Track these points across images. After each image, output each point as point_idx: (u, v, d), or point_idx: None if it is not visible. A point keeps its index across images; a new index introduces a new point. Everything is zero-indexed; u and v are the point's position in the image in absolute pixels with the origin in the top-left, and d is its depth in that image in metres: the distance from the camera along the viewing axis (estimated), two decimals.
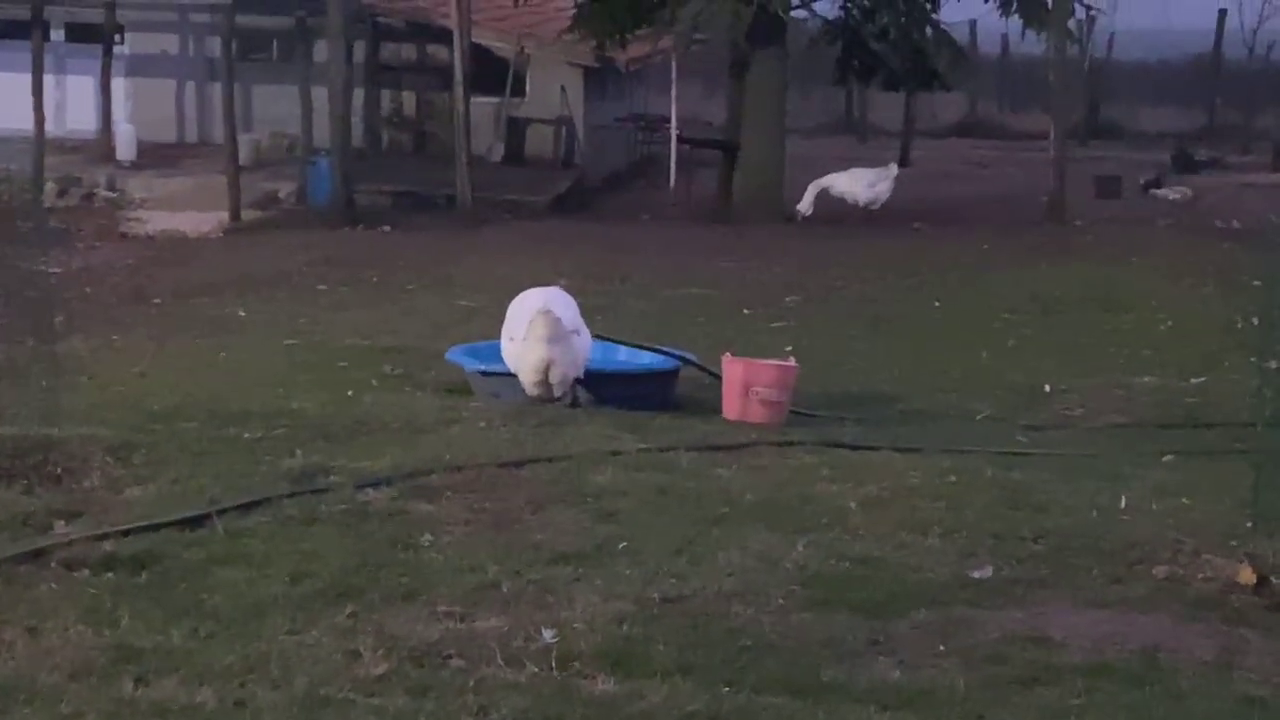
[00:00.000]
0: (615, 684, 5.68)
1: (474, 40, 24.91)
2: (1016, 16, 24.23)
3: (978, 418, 11.78)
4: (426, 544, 7.21)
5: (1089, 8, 26.09)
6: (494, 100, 27.60)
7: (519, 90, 28.19)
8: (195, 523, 7.32)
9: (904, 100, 30.63)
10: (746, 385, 10.94)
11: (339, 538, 7.22)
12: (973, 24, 33.59)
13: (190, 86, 29.64)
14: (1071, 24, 25.21)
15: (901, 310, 16.54)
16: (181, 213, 22.66)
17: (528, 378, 10.70)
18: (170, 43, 29.83)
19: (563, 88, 27.98)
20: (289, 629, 6.08)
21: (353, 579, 6.65)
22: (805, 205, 23.33)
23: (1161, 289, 17.55)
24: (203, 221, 22.34)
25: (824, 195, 23.53)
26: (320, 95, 23.63)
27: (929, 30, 24.18)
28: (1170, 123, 35.04)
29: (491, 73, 27.20)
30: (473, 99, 24.13)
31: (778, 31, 23.65)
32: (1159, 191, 26.62)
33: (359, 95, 26.89)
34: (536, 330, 10.51)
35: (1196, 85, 35.50)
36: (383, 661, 5.78)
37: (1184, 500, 8.76)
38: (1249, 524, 7.78)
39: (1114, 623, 6.48)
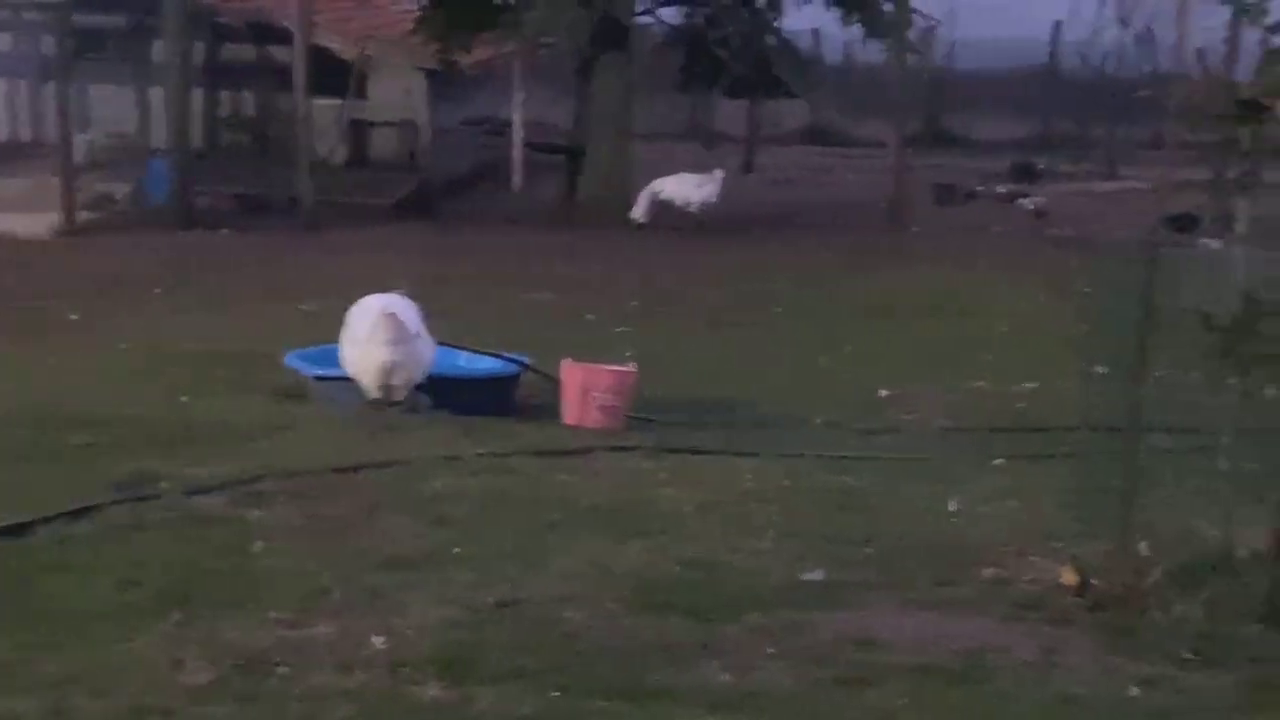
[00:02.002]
0: (445, 689, 5.67)
1: (316, 42, 24.71)
2: (858, 25, 24.48)
3: (814, 422, 11.89)
4: (258, 550, 7.16)
5: (927, 18, 26.46)
6: (336, 102, 27.39)
7: (361, 93, 28.01)
8: (20, 531, 7.20)
9: (747, 107, 30.84)
10: (585, 390, 10.97)
11: (168, 545, 7.15)
12: (816, 32, 33.90)
13: (23, 86, 29.10)
14: (912, 34, 25.54)
15: (742, 315, 16.65)
16: (12, 214, 22.21)
17: (370, 381, 10.63)
18: (3, 41, 29.27)
19: (406, 91, 27.85)
20: (114, 638, 6.00)
21: (181, 587, 6.58)
22: (640, 212, 23.38)
23: (997, 295, 17.79)
24: (35, 223, 21.90)
25: (660, 202, 23.60)
26: (158, 96, 23.26)
27: (772, 38, 24.37)
28: (1008, 132, 35.58)
29: (333, 75, 26.99)
30: (315, 101, 23.93)
31: (621, 37, 23.72)
32: (1022, 202, 26.95)
33: (198, 96, 26.54)
34: (380, 333, 10.45)
35: (1033, 95, 36.09)
36: (209, 670, 5.73)
37: (1012, 503, 8.92)
38: (1074, 526, 7.92)
39: (940, 624, 6.58)
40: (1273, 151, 7.99)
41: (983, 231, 23.64)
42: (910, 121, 28.07)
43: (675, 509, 8.23)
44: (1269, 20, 7.39)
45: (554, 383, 11.33)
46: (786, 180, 29.83)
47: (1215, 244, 9.46)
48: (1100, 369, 8.66)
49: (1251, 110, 7.42)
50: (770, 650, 6.18)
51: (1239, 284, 7.40)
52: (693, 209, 23.58)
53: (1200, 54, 9.59)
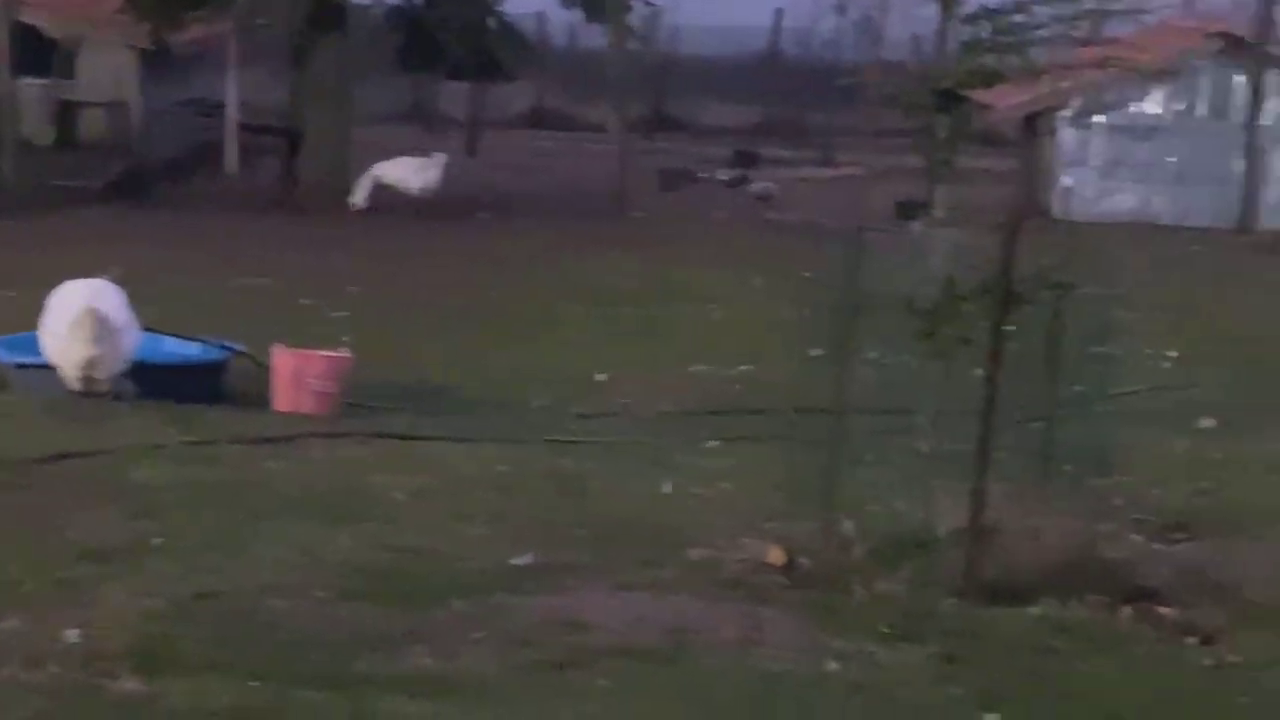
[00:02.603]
0: (141, 683, 5.55)
1: (21, 19, 23.95)
2: (579, 9, 24.52)
3: (532, 407, 11.90)
4: None
5: (649, 3, 26.63)
6: (43, 82, 26.63)
7: (69, 72, 27.24)
8: None
9: (470, 90, 30.71)
10: (298, 376, 10.82)
11: None
12: (540, 15, 33.91)
13: None
14: (634, 18, 25.69)
15: (462, 300, 16.57)
16: None
17: (71, 373, 10.35)
18: None
19: (117, 70, 27.18)
20: None
21: None
22: (359, 197, 23.12)
23: (717, 280, 18.00)
24: None
25: (381, 187, 23.38)
26: None
27: (493, 20, 24.29)
28: (732, 118, 36.01)
29: (40, 53, 26.22)
30: (21, 80, 23.21)
31: (339, 18, 23.42)
32: (753, 188, 27.23)
33: None
34: (81, 330, 10.16)
35: (756, 82, 36.58)
36: None
37: (725, 485, 9.04)
38: (784, 507, 8.05)
39: (646, 605, 6.64)
40: (970, 139, 8.23)
41: (706, 217, 23.89)
42: (634, 106, 28.23)
43: (387, 496, 8.17)
44: (965, 11, 7.59)
45: (266, 369, 11.16)
46: (512, 165, 29.79)
47: (933, 230, 9.62)
48: (815, 352, 8.83)
49: (949, 99, 7.61)
50: (476, 635, 6.17)
51: (939, 268, 7.58)
52: (414, 193, 23.40)
53: (916, 43, 9.81)
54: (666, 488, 8.81)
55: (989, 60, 7.47)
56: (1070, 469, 8.40)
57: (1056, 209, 23.08)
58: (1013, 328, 7.66)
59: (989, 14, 7.53)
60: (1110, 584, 7.29)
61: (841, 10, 31.40)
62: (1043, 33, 7.64)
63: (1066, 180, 23.36)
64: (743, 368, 13.35)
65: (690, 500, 8.60)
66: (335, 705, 5.49)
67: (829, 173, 29.58)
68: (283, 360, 10.94)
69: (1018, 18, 7.51)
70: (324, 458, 9.05)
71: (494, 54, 24.41)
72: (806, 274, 12.61)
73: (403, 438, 9.77)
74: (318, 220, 21.88)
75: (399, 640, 6.11)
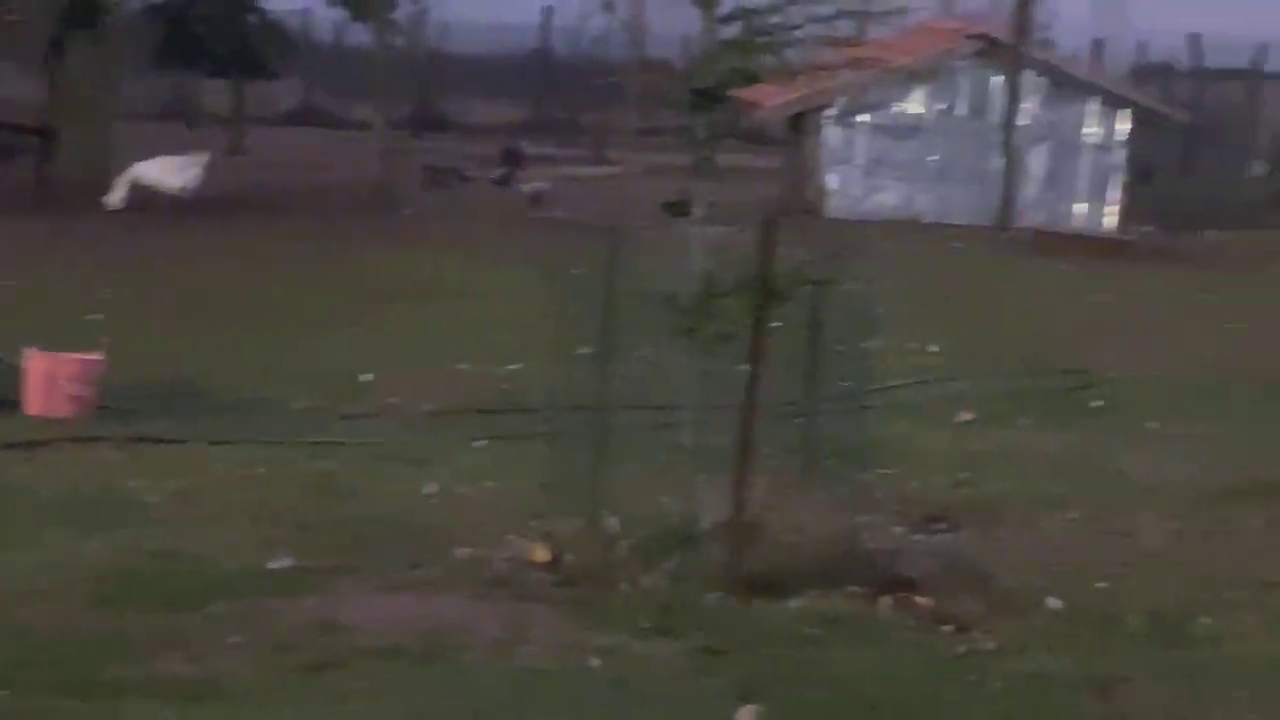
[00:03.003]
0: None
1: None
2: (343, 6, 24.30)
3: (295, 408, 11.74)
4: None
5: (414, 0, 26.46)
6: None
7: None
8: None
9: (233, 88, 30.23)
10: (51, 379, 10.55)
11: None
12: (305, 12, 33.56)
13: None
14: (399, 15, 25.51)
15: (224, 301, 16.29)
16: None
17: None
18: None
19: None
20: None
21: None
22: (115, 198, 22.56)
23: (486, 278, 17.93)
24: None
25: (140, 186, 22.86)
26: None
27: (255, 17, 23.94)
28: (502, 116, 35.93)
29: None
30: None
31: (95, 13, 22.88)
32: (524, 186, 27.12)
33: None
34: None
35: (526, 80, 36.55)
36: None
37: (491, 484, 9.01)
38: (550, 505, 8.05)
39: (408, 605, 6.60)
40: (733, 138, 8.29)
41: (475, 215, 23.80)
42: (401, 104, 28.03)
43: (142, 499, 8.02)
44: (721, 12, 7.63)
45: (18, 372, 10.85)
46: (279, 162, 29.38)
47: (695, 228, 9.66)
48: (584, 349, 8.85)
49: (707, 99, 7.65)
50: (233, 640, 6.07)
51: (699, 265, 7.63)
52: (174, 193, 22.94)
53: (685, 42, 9.84)
54: (431, 488, 8.76)
55: (745, 60, 7.52)
56: (833, 462, 8.54)
57: (822, 207, 23.42)
58: (778, 324, 7.77)
59: (745, 15, 7.59)
60: (870, 575, 7.42)
61: (609, 9, 31.48)
62: (799, 34, 7.72)
63: (831, 178, 23.72)
64: (511, 366, 13.31)
65: (455, 500, 8.56)
66: (86, 713, 5.37)
67: (598, 171, 29.67)
68: (35, 363, 10.66)
69: (774, 19, 7.58)
70: (77, 461, 8.85)
71: (256, 51, 24.06)
72: (573, 272, 12.64)
73: (159, 441, 9.58)
74: (74, 221, 21.34)
75: (154, 646, 6.00)
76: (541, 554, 7.38)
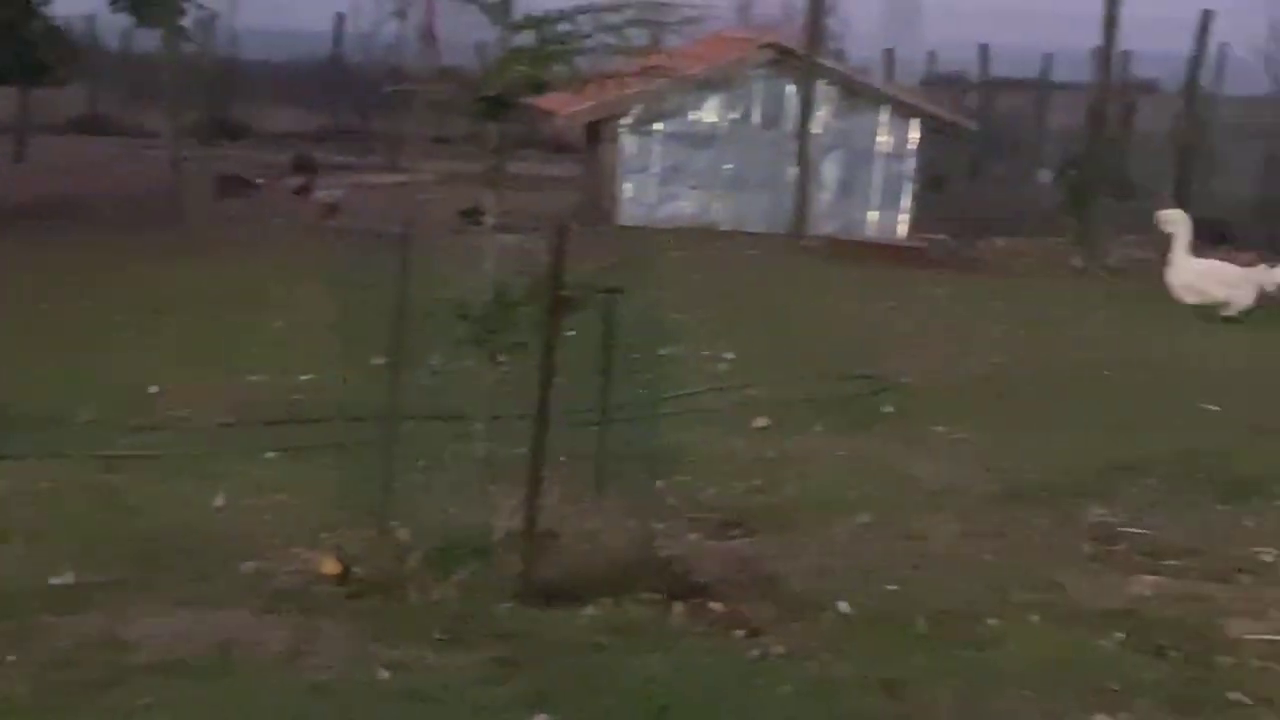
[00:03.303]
0: None
1: None
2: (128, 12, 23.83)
3: (80, 421, 11.48)
4: None
5: (202, 6, 26.06)
6: None
7: None
8: None
9: (16, 94, 29.54)
10: None
11: None
12: (91, 18, 32.90)
13: None
14: (188, 22, 25.10)
15: (4, 312, 15.89)
16: None
17: None
18: None
19: None
20: None
21: None
22: None
23: (278, 288, 17.70)
24: None
25: None
26: None
27: (37, 22, 23.37)
28: (295, 124, 35.58)
29: None
30: None
31: None
32: (319, 195, 26.80)
33: None
34: None
35: (320, 87, 36.23)
36: None
37: (281, 496, 8.89)
38: (341, 516, 7.97)
39: (193, 620, 6.48)
40: (530, 146, 8.27)
41: (268, 224, 23.51)
42: (190, 112, 27.61)
43: None
44: (512, 19, 7.61)
45: None
46: (65, 171, 28.79)
47: (487, 236, 9.64)
48: (377, 360, 8.77)
49: (497, 106, 7.63)
50: (10, 657, 5.92)
51: (491, 274, 7.61)
52: None
53: (480, 49, 9.81)
54: (219, 501, 8.62)
55: (535, 68, 7.51)
56: (628, 470, 8.57)
57: (617, 215, 23.49)
58: (572, 332, 7.77)
59: (536, 23, 7.58)
60: (664, 582, 7.44)
61: (402, 16, 31.36)
62: (590, 42, 7.73)
63: (627, 187, 23.80)
64: (304, 377, 13.15)
65: (244, 513, 8.43)
66: None
67: (394, 179, 29.47)
68: None
69: (564, 27, 7.58)
70: None
71: (38, 57, 23.47)
72: (366, 281, 12.54)
73: None
74: None
75: None
76: (331, 566, 7.30)
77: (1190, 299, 17.62)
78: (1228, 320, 17.44)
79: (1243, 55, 33.85)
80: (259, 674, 5.96)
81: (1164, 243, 17.97)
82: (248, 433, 11.31)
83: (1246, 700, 6.60)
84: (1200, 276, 17.70)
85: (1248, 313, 17.59)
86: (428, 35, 24.56)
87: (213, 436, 11.17)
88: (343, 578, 7.19)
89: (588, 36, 7.68)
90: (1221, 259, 19.18)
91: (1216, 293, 17.63)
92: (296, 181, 28.04)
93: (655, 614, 7.13)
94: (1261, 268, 18.09)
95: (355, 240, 20.20)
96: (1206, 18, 26.20)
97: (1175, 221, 17.87)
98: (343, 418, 10.35)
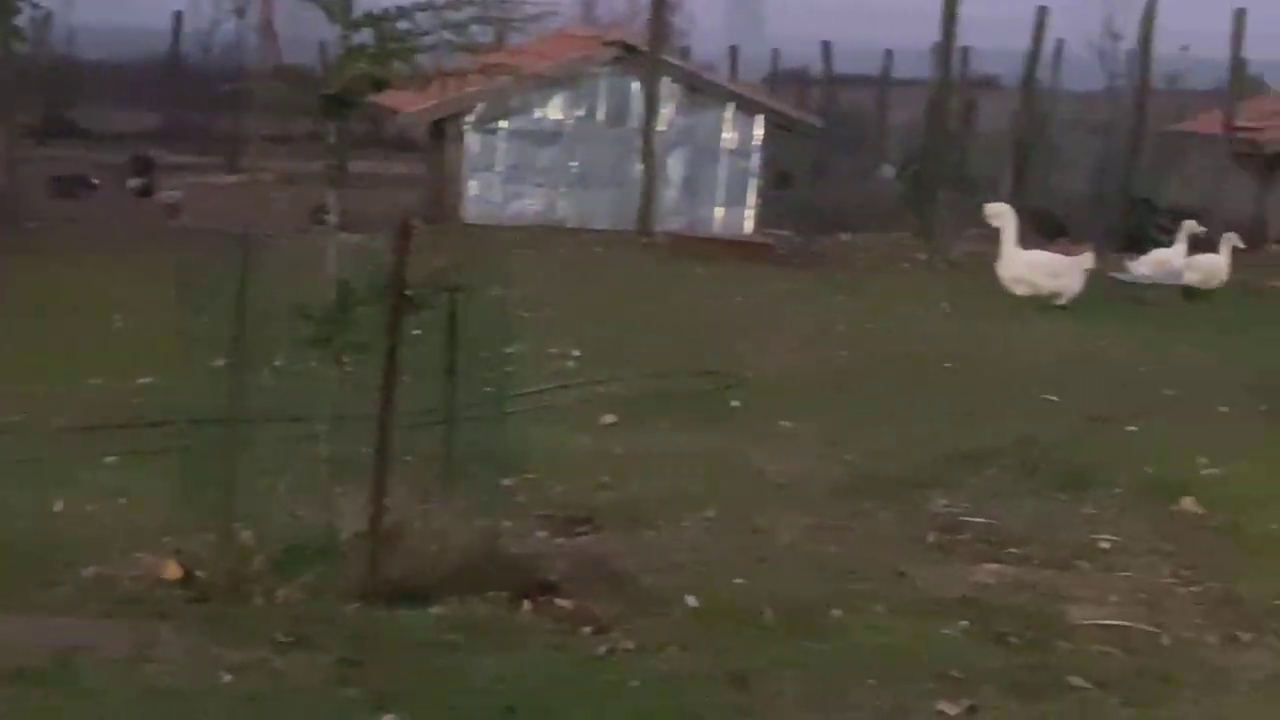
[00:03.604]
0: None
1: None
2: None
3: None
4: None
5: (36, 5, 25.59)
6: None
7: None
8: None
9: None
10: None
11: None
12: None
13: None
14: (24, 20, 24.65)
15: None
16: None
17: None
18: None
19: None
20: None
21: None
22: None
23: (117, 289, 17.44)
24: None
25: None
26: None
27: None
28: (134, 124, 35.06)
29: None
30: None
31: None
32: (162, 195, 26.33)
33: None
34: None
35: (159, 86, 35.72)
36: None
37: (123, 500, 8.77)
38: (184, 520, 7.88)
39: (34, 627, 6.39)
40: (373, 144, 8.21)
41: (106, 225, 23.15)
42: (25, 111, 27.10)
43: None
44: (352, 16, 7.56)
45: None
46: None
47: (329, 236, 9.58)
48: (219, 361, 8.67)
49: (337, 105, 7.58)
50: None
51: (333, 273, 7.55)
52: None
53: (322, 48, 9.72)
54: (58, 506, 8.49)
55: (375, 66, 7.47)
56: (475, 469, 8.55)
57: (462, 213, 23.42)
58: (417, 331, 7.73)
59: (374, 20, 7.54)
60: (512, 579, 7.44)
61: (240, 14, 31.05)
62: (430, 39, 7.70)
63: (472, 185, 23.73)
64: (144, 380, 12.98)
65: (84, 518, 8.31)
66: None
67: (235, 179, 29.13)
68: None
69: (403, 24, 7.54)
70: None
71: None
72: (207, 282, 12.39)
73: None
74: None
75: None
76: (173, 570, 7.22)
77: (1020, 290, 17.90)
78: (1060, 309, 17.74)
79: (1079, 51, 34.50)
80: (101, 680, 5.87)
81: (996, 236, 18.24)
82: (87, 436, 11.14)
83: (1086, 684, 6.73)
84: (1029, 268, 17.98)
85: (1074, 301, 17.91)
86: (267, 32, 24.30)
87: (51, 441, 10.99)
88: (185, 582, 7.11)
89: (428, 34, 7.65)
90: (1060, 251, 19.53)
91: (1046, 283, 17.92)
92: (138, 182, 27.65)
93: (503, 612, 7.13)
94: (1086, 256, 18.43)
95: (197, 241, 19.96)
96: (1042, 14, 26.63)
97: (1001, 215, 18.14)
98: (184, 421, 10.22)
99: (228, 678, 6.00)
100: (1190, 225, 20.02)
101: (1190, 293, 19.41)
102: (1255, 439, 11.82)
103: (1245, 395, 13.29)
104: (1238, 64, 25.85)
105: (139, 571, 7.25)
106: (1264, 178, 25.64)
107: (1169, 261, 19.80)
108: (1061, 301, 17.87)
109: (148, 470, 9.55)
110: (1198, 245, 19.84)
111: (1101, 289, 19.03)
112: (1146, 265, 19.99)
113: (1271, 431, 12.13)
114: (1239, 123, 25.48)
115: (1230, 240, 19.74)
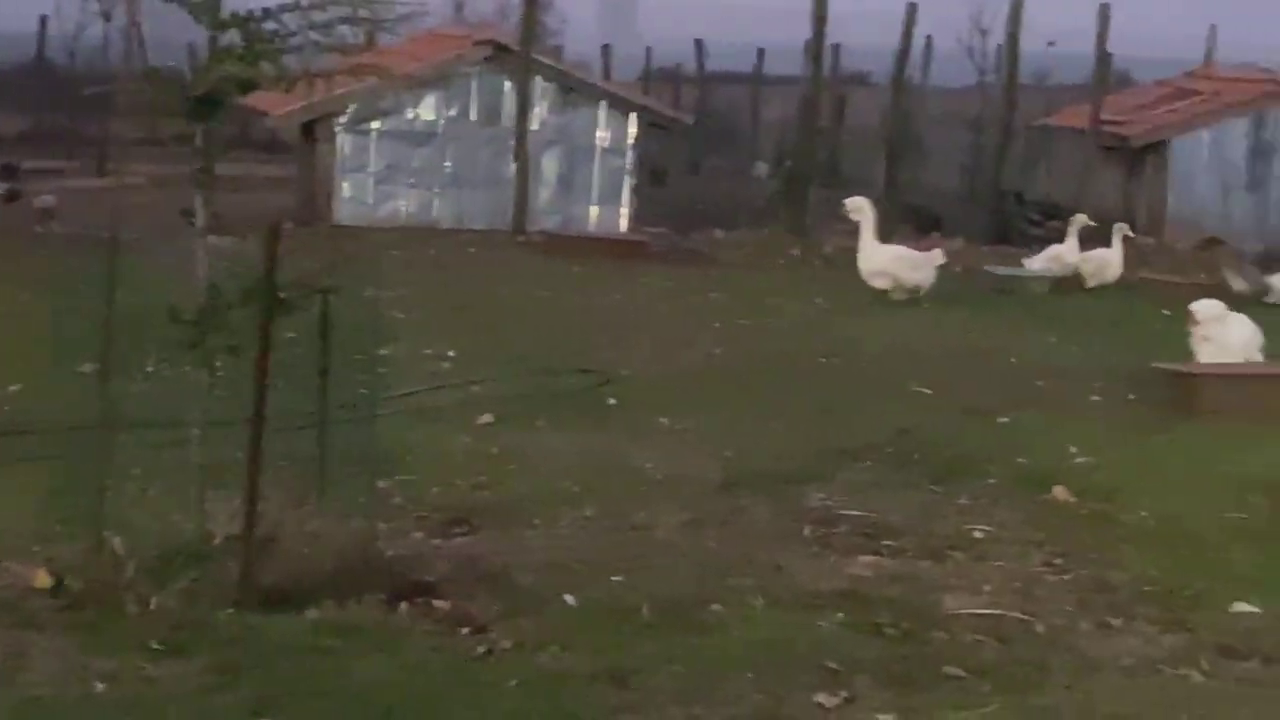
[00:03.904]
0: None
1: None
2: None
3: None
4: None
5: None
6: None
7: None
8: None
9: None
10: None
11: None
12: None
13: None
14: None
15: None
16: None
17: None
18: None
19: None
20: None
21: None
22: None
23: None
24: None
25: None
26: None
27: None
28: (1, 127, 34.54)
29: None
30: None
31: None
32: (35, 200, 25.89)
33: None
34: None
35: (24, 90, 35.23)
36: None
37: None
38: (54, 528, 7.77)
39: None
40: (233, 147, 8.13)
41: None
42: None
43: None
44: (218, 18, 7.48)
45: None
46: None
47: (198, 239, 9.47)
48: (87, 367, 8.55)
49: (203, 107, 7.49)
50: None
51: (203, 277, 7.47)
52: None
53: (190, 50, 9.60)
54: None
55: (241, 67, 7.39)
56: (350, 471, 8.48)
57: (334, 215, 23.26)
58: (291, 334, 7.67)
59: (241, 22, 7.46)
60: (389, 582, 7.40)
61: (107, 17, 30.68)
62: (297, 40, 7.63)
63: (344, 186, 23.57)
64: (11, 387, 12.78)
65: None
66: None
67: (105, 183, 28.77)
68: None
69: (269, 25, 7.47)
70: None
71: None
72: (75, 287, 12.20)
73: None
74: None
75: None
76: (43, 579, 7.11)
77: (880, 284, 18.01)
78: (917, 303, 17.86)
79: (949, 47, 34.88)
80: None
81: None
82: None
83: (961, 673, 6.80)
84: (890, 261, 18.12)
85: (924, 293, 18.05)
86: (133, 35, 24.03)
87: None
88: (56, 590, 7.01)
89: (294, 35, 7.58)
90: (932, 245, 19.71)
91: (906, 277, 18.04)
92: (3, 187, 27.22)
93: (379, 615, 7.08)
94: (938, 252, 18.62)
95: (68, 246, 19.68)
96: (912, 11, 26.88)
97: (861, 209, 18.25)
98: (53, 427, 10.06)
99: (101, 686, 5.92)
100: (1080, 219, 20.31)
101: (1061, 285, 19.67)
102: (1125, 428, 12.00)
103: (1115, 385, 13.49)
104: (1103, 59, 26.21)
105: (9, 581, 7.13)
106: (1130, 170, 26.04)
107: (1063, 256, 20.07)
108: (918, 293, 17.96)
109: (16, 478, 9.39)
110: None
111: (975, 283, 19.26)
112: (1041, 261, 20.25)
113: (1141, 420, 12.33)
114: (1105, 117, 25.86)
115: (1121, 230, 20.04)
